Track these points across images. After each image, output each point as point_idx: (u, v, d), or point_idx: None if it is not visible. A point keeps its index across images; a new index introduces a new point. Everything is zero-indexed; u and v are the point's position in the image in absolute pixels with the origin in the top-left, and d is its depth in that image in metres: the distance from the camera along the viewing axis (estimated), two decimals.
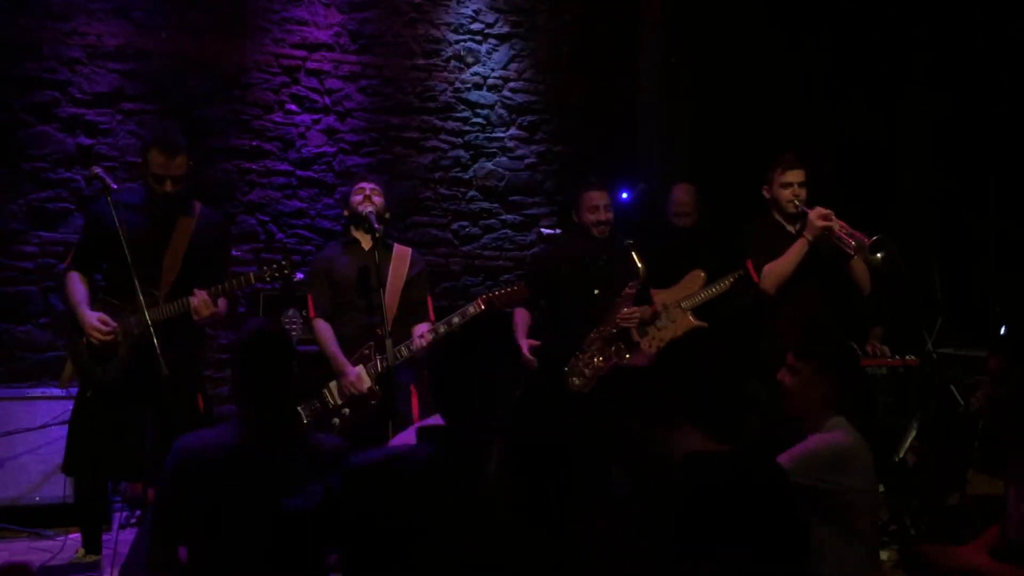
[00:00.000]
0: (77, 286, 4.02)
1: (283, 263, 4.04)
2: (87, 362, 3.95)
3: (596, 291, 4.61)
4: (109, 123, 5.64)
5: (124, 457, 3.90)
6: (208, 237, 4.11)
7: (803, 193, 4.56)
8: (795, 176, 4.56)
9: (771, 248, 4.54)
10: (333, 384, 4.25)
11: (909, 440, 5.04)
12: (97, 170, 4.04)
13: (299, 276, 5.39)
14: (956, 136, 6.05)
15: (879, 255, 4.40)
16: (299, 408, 4.22)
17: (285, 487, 2.49)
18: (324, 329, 4.31)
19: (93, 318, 3.91)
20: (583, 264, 4.65)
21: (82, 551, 4.24)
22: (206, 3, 5.80)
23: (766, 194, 4.65)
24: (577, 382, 4.51)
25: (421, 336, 4.22)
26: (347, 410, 4.23)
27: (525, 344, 4.59)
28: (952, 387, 5.02)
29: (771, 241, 4.56)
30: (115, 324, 3.91)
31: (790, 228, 4.59)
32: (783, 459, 3.03)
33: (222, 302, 4.04)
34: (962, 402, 4.95)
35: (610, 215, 4.61)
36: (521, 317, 4.72)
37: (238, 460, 2.62)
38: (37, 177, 5.49)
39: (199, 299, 3.90)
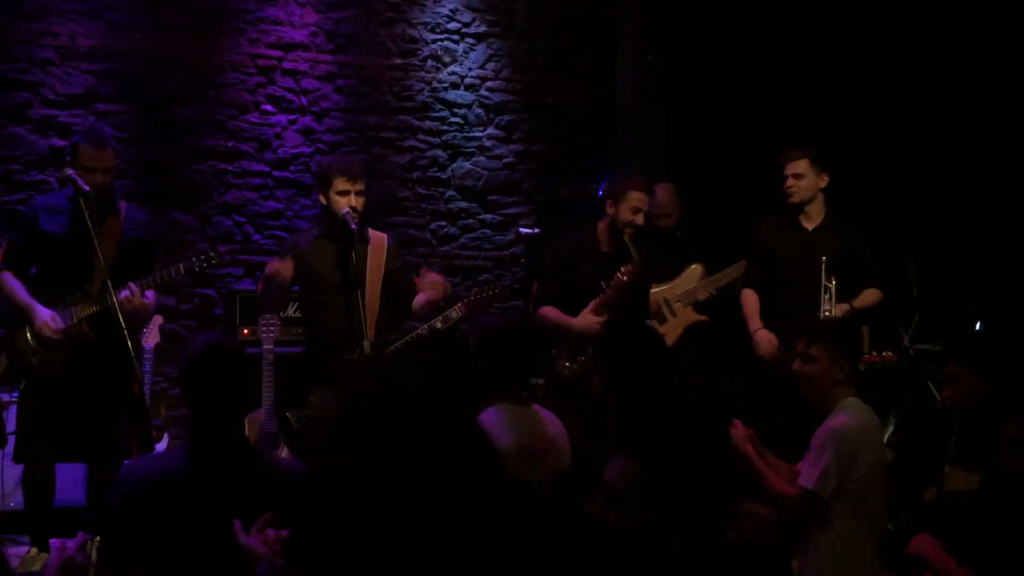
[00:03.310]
0: (17, 284, 4.14)
1: (211, 253, 4.19)
2: (23, 353, 4.05)
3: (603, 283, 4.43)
4: (83, 124, 5.57)
5: (71, 439, 4.07)
6: (136, 233, 4.26)
7: (798, 184, 4.59)
8: (789, 168, 4.62)
9: (778, 247, 4.67)
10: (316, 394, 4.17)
11: (887, 436, 5.07)
12: (70, 172, 4.05)
13: None
14: (932, 134, 6.10)
15: None
16: (288, 415, 4.17)
17: (234, 516, 2.34)
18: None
19: (47, 314, 4.03)
20: (600, 262, 4.48)
21: (34, 550, 4.13)
22: (180, 3, 5.73)
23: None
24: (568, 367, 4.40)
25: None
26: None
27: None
28: (929, 383, 5.07)
29: (779, 240, 4.68)
30: (63, 324, 4.05)
31: (804, 224, 4.65)
32: (805, 483, 3.13)
33: (150, 293, 4.19)
34: (939, 397, 4.99)
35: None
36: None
37: (186, 488, 2.47)
38: (9, 179, 5.42)
39: (131, 291, 4.03)
